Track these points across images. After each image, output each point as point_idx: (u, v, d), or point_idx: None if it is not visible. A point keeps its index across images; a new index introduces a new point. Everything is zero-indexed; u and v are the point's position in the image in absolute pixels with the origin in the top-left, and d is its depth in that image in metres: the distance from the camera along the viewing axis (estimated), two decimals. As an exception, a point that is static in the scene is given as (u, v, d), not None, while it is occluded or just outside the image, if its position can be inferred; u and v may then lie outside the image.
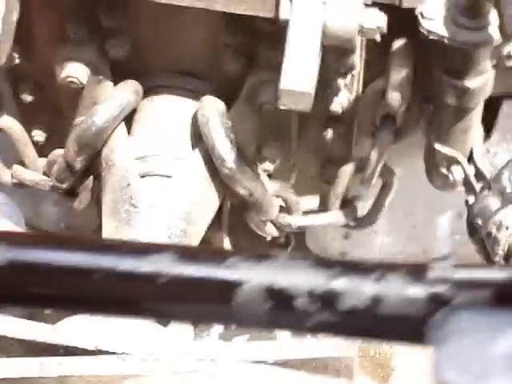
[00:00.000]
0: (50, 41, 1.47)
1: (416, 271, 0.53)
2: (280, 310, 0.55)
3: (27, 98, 1.57)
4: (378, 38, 1.28)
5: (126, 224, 1.40)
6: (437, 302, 0.51)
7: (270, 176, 1.58)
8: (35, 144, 1.65)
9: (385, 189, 1.59)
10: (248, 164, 1.45)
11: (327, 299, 0.54)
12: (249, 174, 1.45)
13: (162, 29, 1.47)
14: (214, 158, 1.42)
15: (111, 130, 1.46)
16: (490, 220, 1.35)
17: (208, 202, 1.48)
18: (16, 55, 1.48)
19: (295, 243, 1.95)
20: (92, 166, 1.51)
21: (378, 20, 1.25)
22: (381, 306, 0.53)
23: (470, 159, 1.46)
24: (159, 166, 1.46)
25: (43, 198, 1.78)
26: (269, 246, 1.79)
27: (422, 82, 1.39)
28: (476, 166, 1.45)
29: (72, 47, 1.45)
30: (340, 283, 0.54)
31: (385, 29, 1.26)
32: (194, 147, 1.48)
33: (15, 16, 1.30)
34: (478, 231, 1.38)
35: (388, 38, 1.39)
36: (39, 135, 1.65)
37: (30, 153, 1.60)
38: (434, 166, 1.48)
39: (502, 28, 1.12)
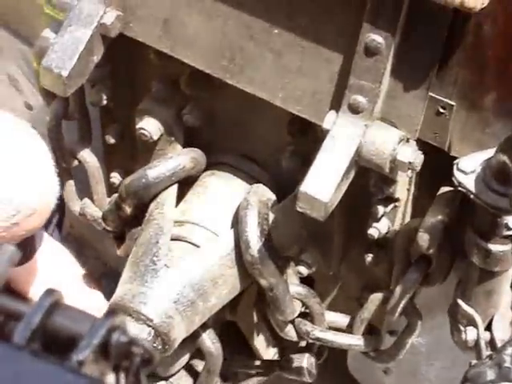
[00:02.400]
0: (136, 93, 1.58)
1: None
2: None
3: (110, 139, 1.68)
4: (408, 173, 1.29)
5: (139, 277, 1.46)
6: None
7: (308, 282, 1.60)
8: (111, 185, 1.76)
9: (408, 329, 1.56)
10: (275, 259, 1.47)
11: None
12: (272, 268, 1.47)
13: (237, 111, 1.54)
14: (240, 242, 1.46)
15: (161, 187, 1.53)
16: (479, 389, 1.30)
17: (227, 283, 1.51)
18: (105, 97, 1.59)
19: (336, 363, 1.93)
20: (140, 218, 1.58)
21: (412, 156, 1.26)
22: None
23: (490, 325, 1.41)
24: (192, 234, 1.52)
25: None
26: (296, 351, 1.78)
27: (457, 234, 1.38)
28: (491, 334, 1.40)
29: (152, 103, 1.55)
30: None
31: (417, 167, 1.27)
32: (232, 227, 1.52)
33: (96, 58, 1.41)
34: (466, 396, 1.32)
35: (440, 182, 1.40)
36: (116, 178, 1.75)
37: (99, 190, 1.70)
38: (455, 321, 1.44)
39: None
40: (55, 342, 0.51)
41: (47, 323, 0.51)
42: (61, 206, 1.71)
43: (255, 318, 1.67)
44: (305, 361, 1.69)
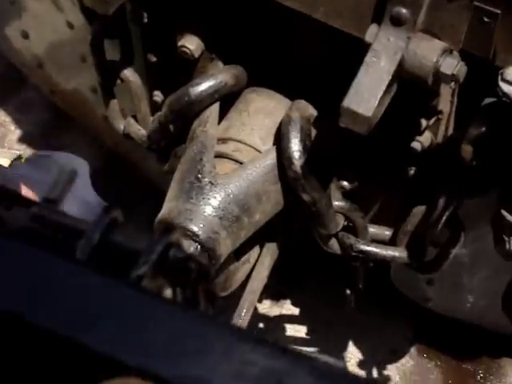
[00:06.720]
0: (177, 11, 1.57)
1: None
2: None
3: (152, 58, 1.68)
4: (452, 85, 1.28)
5: (184, 194, 1.48)
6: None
7: (347, 195, 1.60)
8: (154, 103, 1.76)
9: (451, 240, 1.57)
10: (317, 174, 1.48)
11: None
12: (314, 183, 1.48)
13: (277, 27, 1.53)
14: (283, 158, 1.47)
15: (204, 105, 1.54)
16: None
17: (271, 199, 1.52)
18: (145, 15, 1.59)
19: (379, 273, 1.95)
20: (183, 136, 1.59)
21: (455, 68, 1.25)
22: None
23: (534, 235, 1.42)
24: (235, 151, 1.53)
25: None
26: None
27: (500, 144, 1.37)
28: (536, 243, 1.40)
29: (193, 21, 1.54)
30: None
31: (460, 78, 1.26)
32: (274, 143, 1.53)
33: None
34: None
35: (484, 93, 1.39)
36: (158, 96, 1.76)
37: (142, 109, 1.71)
38: (498, 231, 1.44)
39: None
40: (114, 258, 0.53)
41: (106, 240, 0.53)
42: None
43: None
44: None
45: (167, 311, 0.45)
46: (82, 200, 1.72)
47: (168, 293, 0.52)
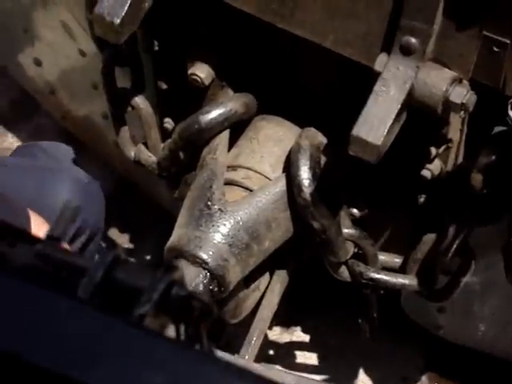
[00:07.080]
0: (187, 39, 1.58)
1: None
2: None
3: (162, 85, 1.69)
4: (461, 114, 1.28)
5: (194, 221, 1.49)
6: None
7: (357, 222, 1.60)
8: (164, 130, 1.77)
9: (461, 268, 1.57)
10: (327, 202, 1.49)
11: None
12: (324, 210, 1.48)
13: (286, 55, 1.54)
14: (293, 185, 1.47)
15: (213, 132, 1.55)
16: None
17: (281, 226, 1.52)
18: (156, 43, 1.60)
19: (390, 300, 1.95)
20: (194, 163, 1.60)
21: (465, 97, 1.25)
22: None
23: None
24: (245, 179, 1.53)
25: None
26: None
27: (511, 173, 1.37)
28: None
29: (203, 48, 1.55)
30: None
31: (470, 107, 1.26)
32: (284, 171, 1.53)
33: (147, 4, 1.41)
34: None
35: (493, 122, 1.39)
36: (169, 123, 1.76)
37: (153, 136, 1.72)
38: (508, 260, 1.44)
39: None
40: (117, 297, 0.53)
41: (109, 278, 0.53)
42: None
43: None
44: None
45: (168, 350, 0.45)
46: (73, 179, 1.74)
47: (171, 331, 0.52)
